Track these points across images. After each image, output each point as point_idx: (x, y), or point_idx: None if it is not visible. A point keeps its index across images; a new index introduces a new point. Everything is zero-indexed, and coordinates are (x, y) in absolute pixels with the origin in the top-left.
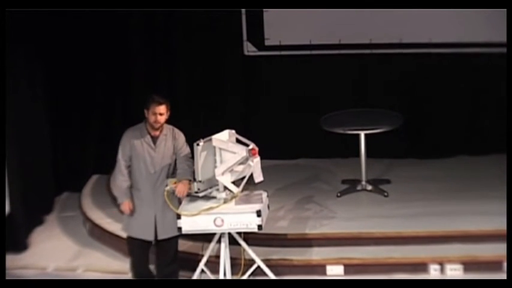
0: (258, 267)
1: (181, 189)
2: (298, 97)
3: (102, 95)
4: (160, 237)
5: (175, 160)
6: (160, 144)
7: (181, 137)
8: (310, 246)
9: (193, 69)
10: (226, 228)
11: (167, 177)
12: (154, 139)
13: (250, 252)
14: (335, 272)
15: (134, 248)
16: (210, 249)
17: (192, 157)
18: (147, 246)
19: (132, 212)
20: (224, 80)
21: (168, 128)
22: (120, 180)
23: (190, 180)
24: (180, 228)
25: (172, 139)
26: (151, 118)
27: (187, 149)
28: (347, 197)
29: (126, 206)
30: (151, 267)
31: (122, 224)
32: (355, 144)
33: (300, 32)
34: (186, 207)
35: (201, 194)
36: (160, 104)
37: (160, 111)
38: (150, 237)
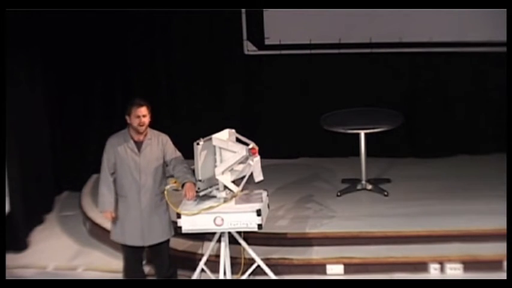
0: (258, 266)
1: (190, 194)
2: (298, 96)
3: (102, 95)
4: (148, 243)
5: (166, 164)
6: (145, 149)
7: (169, 141)
8: (310, 245)
9: (193, 69)
10: (226, 227)
11: (154, 182)
12: (139, 144)
13: (250, 251)
14: (335, 271)
15: (126, 253)
16: (210, 249)
17: (192, 156)
18: (138, 251)
19: (115, 219)
20: (224, 79)
21: (152, 133)
22: (103, 189)
23: (194, 183)
24: (180, 228)
25: (158, 143)
26: (135, 121)
27: (178, 152)
28: (347, 196)
29: (108, 215)
30: (145, 270)
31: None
32: (355, 144)
33: (300, 31)
34: (186, 207)
35: (201, 193)
36: (142, 105)
37: (143, 113)
38: (137, 242)
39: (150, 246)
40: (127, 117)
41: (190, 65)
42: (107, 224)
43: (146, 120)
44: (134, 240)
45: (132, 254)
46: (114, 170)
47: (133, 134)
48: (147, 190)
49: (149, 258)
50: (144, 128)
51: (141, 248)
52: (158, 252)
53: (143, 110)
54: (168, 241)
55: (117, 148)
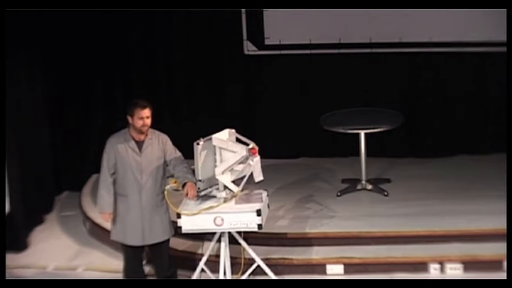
0: (258, 266)
1: (192, 192)
2: (298, 96)
3: (102, 94)
4: (149, 242)
5: (166, 164)
6: (146, 149)
7: (168, 141)
8: (310, 245)
9: (193, 69)
10: (226, 227)
11: (155, 181)
12: (140, 144)
13: (250, 251)
14: (335, 271)
15: (127, 253)
16: (210, 249)
17: (192, 156)
18: (139, 251)
19: (114, 219)
20: (224, 79)
21: (152, 132)
22: (102, 190)
23: (195, 183)
24: (180, 228)
25: (159, 143)
26: (139, 123)
27: (178, 152)
28: (347, 196)
29: (106, 216)
30: (146, 270)
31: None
32: (355, 144)
33: (300, 31)
34: (186, 207)
35: (201, 193)
36: (145, 107)
37: (146, 115)
38: (137, 242)
39: (150, 246)
40: (129, 118)
41: (190, 65)
42: (107, 224)
43: (149, 121)
44: (135, 240)
45: (132, 254)
46: (115, 170)
47: (134, 134)
48: (148, 190)
49: (149, 258)
50: (146, 129)
51: (141, 247)
52: (158, 252)
53: (146, 112)
54: (168, 241)
55: (117, 148)
